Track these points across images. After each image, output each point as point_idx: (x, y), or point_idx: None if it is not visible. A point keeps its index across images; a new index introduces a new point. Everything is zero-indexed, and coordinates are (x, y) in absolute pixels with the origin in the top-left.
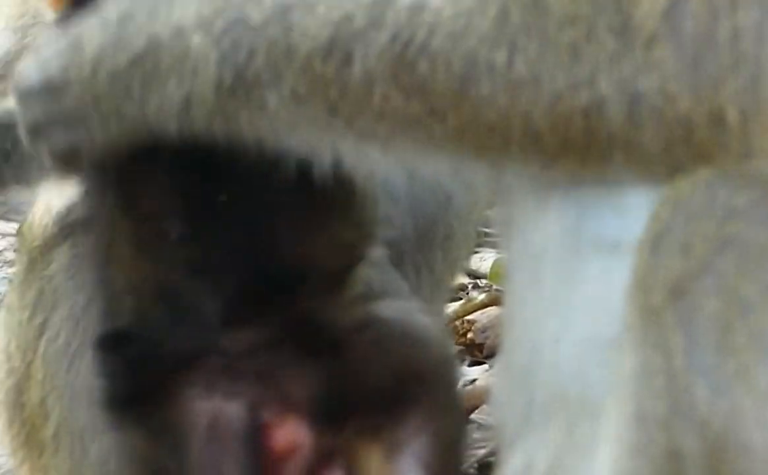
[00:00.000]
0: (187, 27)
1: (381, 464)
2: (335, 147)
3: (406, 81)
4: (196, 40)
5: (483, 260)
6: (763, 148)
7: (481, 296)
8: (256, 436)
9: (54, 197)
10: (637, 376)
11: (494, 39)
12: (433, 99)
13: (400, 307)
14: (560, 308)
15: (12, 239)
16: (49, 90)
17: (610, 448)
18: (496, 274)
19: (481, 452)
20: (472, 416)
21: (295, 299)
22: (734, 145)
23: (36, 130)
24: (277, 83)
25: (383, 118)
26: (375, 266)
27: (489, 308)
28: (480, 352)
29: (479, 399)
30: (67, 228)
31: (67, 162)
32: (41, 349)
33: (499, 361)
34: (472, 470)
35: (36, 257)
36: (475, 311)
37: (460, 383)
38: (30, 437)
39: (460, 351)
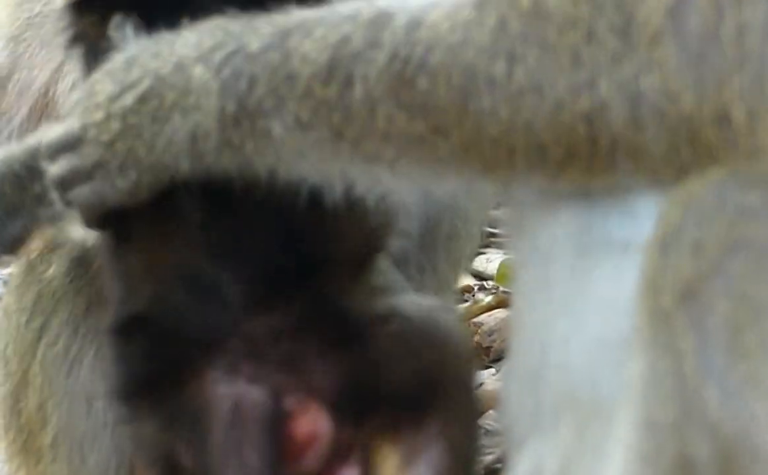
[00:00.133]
0: (188, 60)
1: (397, 468)
2: (344, 172)
3: (408, 99)
4: (197, 72)
5: (489, 262)
6: None
7: (488, 298)
8: (278, 422)
9: None
10: (646, 379)
11: (492, 50)
12: (436, 116)
13: (424, 304)
14: (570, 309)
15: None
16: (70, 142)
17: (620, 452)
18: (502, 275)
19: (489, 458)
20: (479, 421)
21: (317, 284)
22: (741, 144)
23: (63, 186)
24: (280, 110)
25: (389, 140)
26: (390, 261)
27: (496, 310)
28: (487, 355)
29: (486, 404)
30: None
31: (95, 212)
32: (39, 353)
33: (507, 363)
34: None
35: (35, 258)
36: (481, 313)
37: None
38: (27, 444)
39: None
